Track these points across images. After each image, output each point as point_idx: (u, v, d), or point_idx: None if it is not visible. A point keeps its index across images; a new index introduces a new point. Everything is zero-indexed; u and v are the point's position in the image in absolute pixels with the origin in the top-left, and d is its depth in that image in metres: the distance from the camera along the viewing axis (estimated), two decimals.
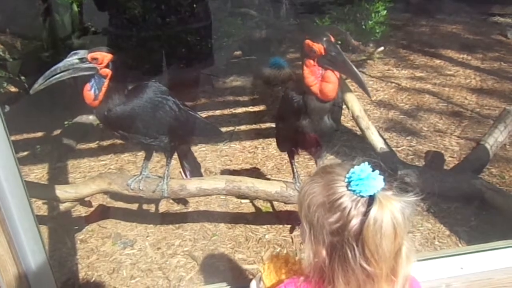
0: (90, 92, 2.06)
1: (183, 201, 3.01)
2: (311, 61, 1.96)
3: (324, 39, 1.93)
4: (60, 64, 1.99)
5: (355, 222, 0.97)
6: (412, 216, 1.02)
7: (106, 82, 2.04)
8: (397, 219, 0.97)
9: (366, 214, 0.96)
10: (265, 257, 2.59)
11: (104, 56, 2.01)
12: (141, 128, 2.19)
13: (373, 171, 1.00)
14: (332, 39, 1.95)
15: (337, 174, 1.03)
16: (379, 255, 0.97)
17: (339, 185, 1.01)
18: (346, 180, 1.01)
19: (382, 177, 0.99)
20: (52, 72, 1.97)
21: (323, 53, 1.92)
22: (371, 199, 0.97)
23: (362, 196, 0.98)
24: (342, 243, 1.00)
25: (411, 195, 1.02)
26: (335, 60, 1.93)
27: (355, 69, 1.96)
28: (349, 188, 1.00)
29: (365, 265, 0.98)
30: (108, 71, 2.03)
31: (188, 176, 2.67)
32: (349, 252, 0.99)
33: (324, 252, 1.04)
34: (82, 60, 2.00)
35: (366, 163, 1.02)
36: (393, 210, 0.97)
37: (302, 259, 1.32)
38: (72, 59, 1.99)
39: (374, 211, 0.95)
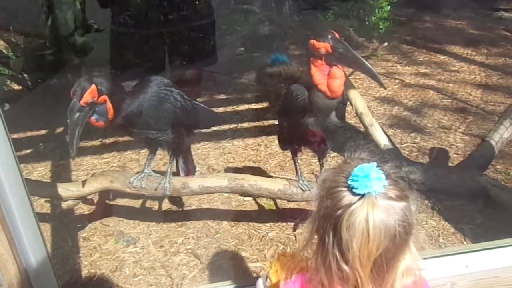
0: (100, 122, 2.05)
1: (179, 203, 3.00)
2: (319, 60, 1.94)
3: (329, 36, 1.90)
4: (71, 127, 1.96)
5: (338, 213, 0.99)
6: (410, 233, 1.01)
7: (108, 104, 2.03)
8: (372, 225, 0.96)
9: (347, 208, 0.98)
10: (269, 255, 2.58)
11: (92, 91, 1.95)
12: (150, 122, 2.19)
13: (378, 173, 1.00)
14: (337, 35, 1.93)
15: (350, 166, 1.05)
16: (351, 254, 0.98)
17: (344, 175, 1.03)
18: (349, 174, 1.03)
19: (383, 182, 0.99)
20: (72, 136, 1.97)
21: (330, 51, 1.90)
22: (359, 198, 0.98)
23: (354, 193, 0.99)
24: (324, 228, 1.02)
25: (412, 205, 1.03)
26: (344, 56, 1.91)
27: (366, 62, 1.95)
28: (348, 181, 1.01)
29: (339, 257, 1.00)
30: (104, 97, 2.00)
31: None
32: (326, 238, 1.02)
33: (313, 232, 1.09)
34: (81, 110, 1.95)
35: (374, 163, 1.02)
36: (371, 214, 0.96)
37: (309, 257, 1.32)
38: (75, 116, 1.95)
39: (353, 206, 0.97)
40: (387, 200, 0.99)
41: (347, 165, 1.06)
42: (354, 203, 0.98)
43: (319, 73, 1.96)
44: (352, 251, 0.97)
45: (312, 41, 1.92)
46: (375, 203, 0.97)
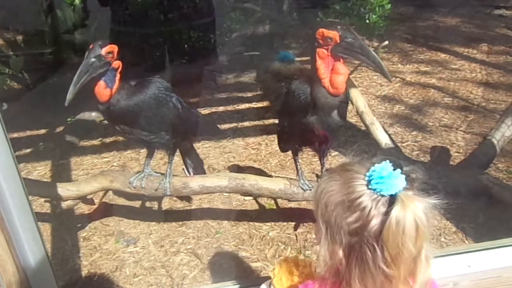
0: (107, 88, 2.03)
1: (187, 198, 2.99)
2: (324, 51, 1.90)
3: (339, 26, 1.86)
4: (82, 68, 1.95)
5: (375, 222, 0.94)
6: (433, 219, 0.98)
7: (118, 74, 2.03)
8: (421, 220, 0.93)
9: (387, 214, 0.92)
10: (269, 255, 2.57)
11: (114, 48, 2.00)
12: (144, 123, 2.18)
13: (394, 169, 0.96)
14: (347, 27, 1.88)
15: (356, 172, 1.00)
16: (400, 257, 0.94)
17: (358, 183, 0.98)
18: (367, 178, 0.97)
19: (403, 176, 0.96)
20: (78, 78, 1.94)
21: (338, 41, 1.86)
22: (392, 199, 0.94)
23: (383, 195, 0.95)
24: (361, 243, 0.96)
25: (433, 197, 0.98)
26: (351, 46, 1.86)
27: (374, 53, 1.89)
28: (370, 186, 0.96)
29: (384, 266, 0.95)
30: (119, 63, 2.02)
31: (191, 173, 2.65)
32: (368, 253, 0.95)
33: (341, 253, 1.00)
34: (98, 58, 1.96)
35: (388, 161, 0.98)
36: (415, 210, 0.93)
37: (312, 261, 1.30)
38: (89, 59, 1.95)
39: (396, 211, 0.92)
40: (411, 190, 0.96)
41: (347, 172, 1.01)
42: (392, 206, 0.92)
43: (323, 66, 1.92)
44: (401, 254, 0.93)
45: (321, 29, 1.87)
46: (412, 197, 0.94)
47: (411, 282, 1.00)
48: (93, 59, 1.95)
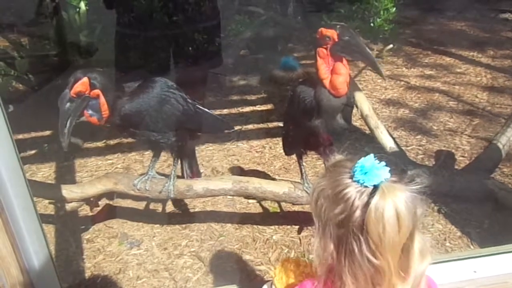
0: (93, 117, 2.03)
1: (183, 204, 2.98)
2: (324, 50, 1.91)
3: (338, 26, 1.88)
4: (61, 117, 1.93)
5: (358, 213, 0.97)
6: (421, 209, 1.00)
7: (101, 99, 2.00)
8: (400, 209, 0.95)
9: (368, 203, 0.95)
10: (273, 258, 2.56)
11: (83, 83, 1.94)
12: (149, 123, 2.17)
13: (379, 162, 0.99)
14: (346, 25, 1.90)
15: (344, 167, 1.04)
16: (383, 246, 0.96)
17: (344, 176, 1.01)
18: (352, 171, 1.01)
19: (387, 168, 0.99)
20: (62, 127, 1.93)
21: (336, 40, 1.88)
22: (374, 189, 0.96)
23: (366, 187, 0.97)
24: (347, 235, 0.99)
25: (417, 184, 1.01)
26: (349, 45, 1.88)
27: (368, 50, 1.91)
28: (354, 178, 0.99)
29: (371, 257, 0.97)
30: (97, 91, 1.97)
31: (188, 172, 2.64)
32: (354, 244, 0.98)
33: (331, 246, 1.03)
34: (71, 100, 1.94)
35: (372, 154, 1.01)
36: (395, 200, 0.95)
37: (313, 261, 1.30)
38: (65, 107, 1.93)
39: (375, 200, 0.95)
40: (394, 183, 0.99)
41: (337, 167, 1.05)
42: (373, 196, 0.95)
43: (324, 66, 1.93)
44: (386, 243, 0.95)
45: (321, 28, 1.90)
46: (394, 187, 0.96)
47: (404, 275, 1.01)
48: (68, 105, 1.93)
